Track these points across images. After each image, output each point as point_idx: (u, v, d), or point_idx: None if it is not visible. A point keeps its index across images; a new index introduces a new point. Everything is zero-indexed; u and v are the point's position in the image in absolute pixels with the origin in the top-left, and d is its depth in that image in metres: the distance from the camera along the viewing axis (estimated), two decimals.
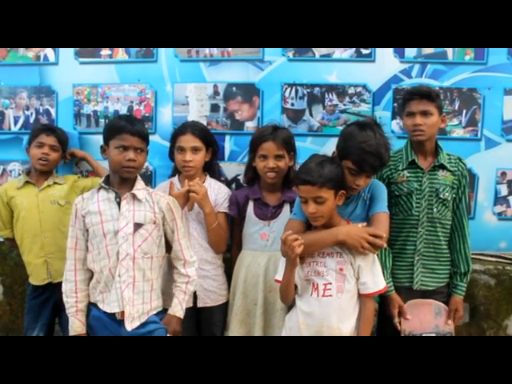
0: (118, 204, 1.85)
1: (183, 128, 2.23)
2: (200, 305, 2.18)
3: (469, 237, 2.12)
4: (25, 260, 2.33)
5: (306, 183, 1.72)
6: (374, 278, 1.77)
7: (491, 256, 2.48)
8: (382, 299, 2.09)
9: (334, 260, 1.77)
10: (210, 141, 2.29)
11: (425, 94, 2.03)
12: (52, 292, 2.27)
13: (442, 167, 2.08)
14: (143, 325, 1.84)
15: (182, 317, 1.93)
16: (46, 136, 2.32)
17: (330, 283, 1.76)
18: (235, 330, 2.15)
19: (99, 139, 1.94)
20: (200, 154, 2.21)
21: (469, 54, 2.44)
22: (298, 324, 1.81)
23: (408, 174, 2.09)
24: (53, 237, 2.28)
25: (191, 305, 2.13)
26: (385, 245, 1.77)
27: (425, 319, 2.05)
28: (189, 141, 2.18)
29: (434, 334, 2.05)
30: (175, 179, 2.30)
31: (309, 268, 1.80)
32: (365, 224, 1.81)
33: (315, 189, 1.70)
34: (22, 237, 2.30)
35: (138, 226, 1.84)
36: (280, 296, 1.86)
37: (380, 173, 2.11)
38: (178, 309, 1.92)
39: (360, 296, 1.80)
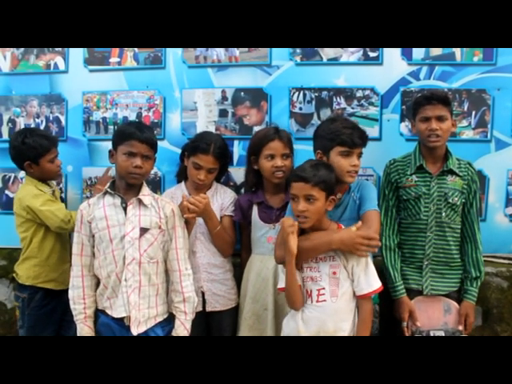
0: (124, 209, 1.85)
1: (207, 147, 2.14)
2: (209, 309, 2.18)
3: (481, 242, 2.10)
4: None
5: (300, 179, 1.74)
6: (368, 278, 1.76)
7: (503, 258, 2.45)
8: (382, 300, 2.08)
9: (328, 264, 1.78)
10: (227, 158, 2.30)
11: (441, 99, 2.01)
12: (60, 298, 2.23)
13: (451, 172, 2.07)
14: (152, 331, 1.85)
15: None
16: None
17: (324, 288, 1.77)
18: (244, 334, 2.14)
19: (108, 146, 1.95)
20: (215, 172, 2.22)
21: (477, 54, 2.42)
22: (294, 330, 1.80)
23: (416, 179, 2.08)
24: None
25: (200, 309, 2.13)
26: (379, 243, 1.79)
27: (433, 316, 2.03)
28: (209, 162, 2.15)
29: (442, 332, 2.01)
30: (182, 185, 2.30)
31: (303, 274, 1.81)
32: (359, 224, 1.78)
33: (308, 186, 1.72)
34: None
35: (143, 230, 1.85)
36: (287, 302, 1.83)
37: (388, 177, 2.14)
38: (181, 330, 1.89)
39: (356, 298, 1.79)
